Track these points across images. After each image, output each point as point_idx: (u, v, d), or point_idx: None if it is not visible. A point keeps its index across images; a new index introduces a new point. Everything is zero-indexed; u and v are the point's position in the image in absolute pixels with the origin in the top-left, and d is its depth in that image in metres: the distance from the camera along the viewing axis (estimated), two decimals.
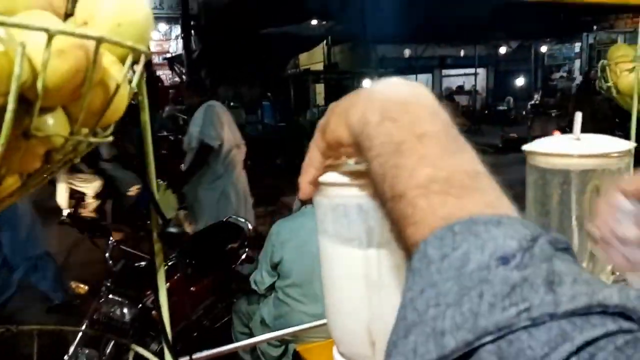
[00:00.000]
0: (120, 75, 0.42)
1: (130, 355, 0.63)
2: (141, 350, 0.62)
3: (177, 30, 11.38)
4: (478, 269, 0.23)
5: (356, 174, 0.46)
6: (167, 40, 12.98)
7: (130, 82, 0.45)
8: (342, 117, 0.37)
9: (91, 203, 5.04)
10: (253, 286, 2.17)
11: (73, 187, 4.94)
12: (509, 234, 0.24)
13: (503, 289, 0.22)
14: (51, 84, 0.33)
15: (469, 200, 0.28)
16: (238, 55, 8.79)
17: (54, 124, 0.35)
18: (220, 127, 3.31)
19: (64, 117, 0.36)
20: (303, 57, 12.30)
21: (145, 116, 0.54)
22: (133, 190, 4.58)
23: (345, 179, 0.46)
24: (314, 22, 10.34)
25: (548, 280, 0.22)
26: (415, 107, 0.33)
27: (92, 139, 0.38)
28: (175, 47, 12.34)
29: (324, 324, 1.50)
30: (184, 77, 9.48)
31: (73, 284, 1.97)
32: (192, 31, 9.55)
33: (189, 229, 3.07)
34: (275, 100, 9.75)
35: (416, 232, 0.28)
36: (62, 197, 4.91)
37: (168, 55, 11.66)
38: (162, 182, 3.18)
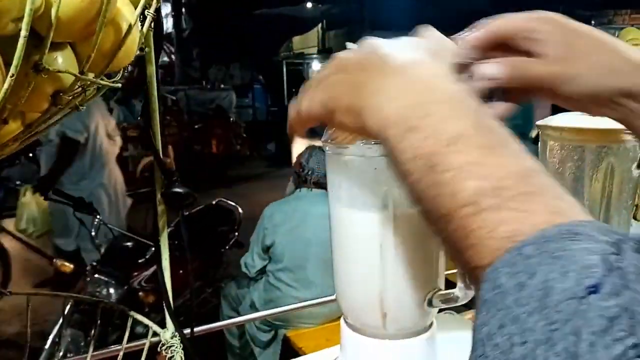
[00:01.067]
0: (132, 17, 0.38)
1: (129, 323, 0.60)
2: (140, 318, 0.59)
3: (167, 8, 11.13)
4: (565, 299, 0.21)
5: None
6: None
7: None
8: (352, 113, 0.33)
9: None
10: (244, 269, 2.13)
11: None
12: (588, 249, 0.22)
13: (601, 323, 0.20)
14: (64, 15, 0.29)
15: (529, 209, 0.24)
16: (230, 35, 8.65)
17: (63, 61, 0.31)
18: (88, 116, 2.66)
19: (73, 57, 0.33)
20: (297, 41, 12.14)
21: (152, 69, 0.50)
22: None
23: (361, 140, 0.45)
24: (309, 4, 10.20)
25: None
26: (434, 105, 0.29)
27: (102, 82, 0.33)
28: (165, 25, 12.07)
29: (316, 306, 1.48)
30: (173, 56, 9.31)
31: (58, 262, 1.91)
32: (183, 9, 9.36)
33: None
34: (267, 84, 9.64)
35: (476, 256, 0.25)
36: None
37: None
38: (25, 185, 2.64)
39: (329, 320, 1.89)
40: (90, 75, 0.35)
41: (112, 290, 1.98)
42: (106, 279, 1.98)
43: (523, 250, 0.22)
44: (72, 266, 1.91)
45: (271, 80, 9.42)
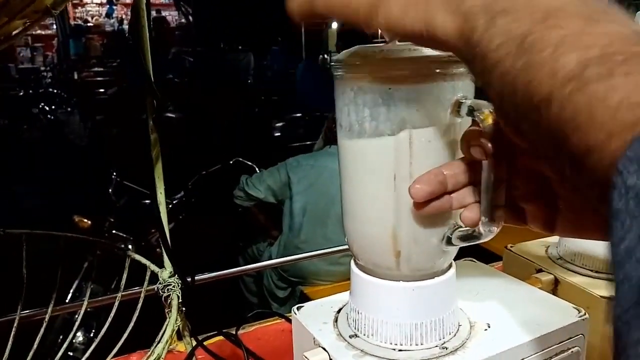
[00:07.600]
0: None
1: (127, 263, 0.58)
2: (138, 257, 0.57)
3: None
4: None
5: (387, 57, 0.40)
6: None
7: None
8: (430, 10, 0.29)
9: None
10: (242, 184, 2.14)
11: None
12: None
13: None
14: None
15: None
16: None
17: None
18: None
19: None
20: None
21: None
22: None
23: (375, 62, 0.40)
24: None
25: None
26: None
27: None
28: None
29: (332, 264, 1.47)
30: (190, 17, 9.17)
31: (76, 218, 1.92)
32: None
33: None
34: (285, 45, 9.44)
35: (585, 138, 0.22)
36: None
37: None
38: None
39: (345, 278, 1.88)
40: None
41: (130, 246, 1.99)
42: (123, 235, 1.99)
43: None
44: (90, 222, 1.92)
45: (289, 41, 9.21)
